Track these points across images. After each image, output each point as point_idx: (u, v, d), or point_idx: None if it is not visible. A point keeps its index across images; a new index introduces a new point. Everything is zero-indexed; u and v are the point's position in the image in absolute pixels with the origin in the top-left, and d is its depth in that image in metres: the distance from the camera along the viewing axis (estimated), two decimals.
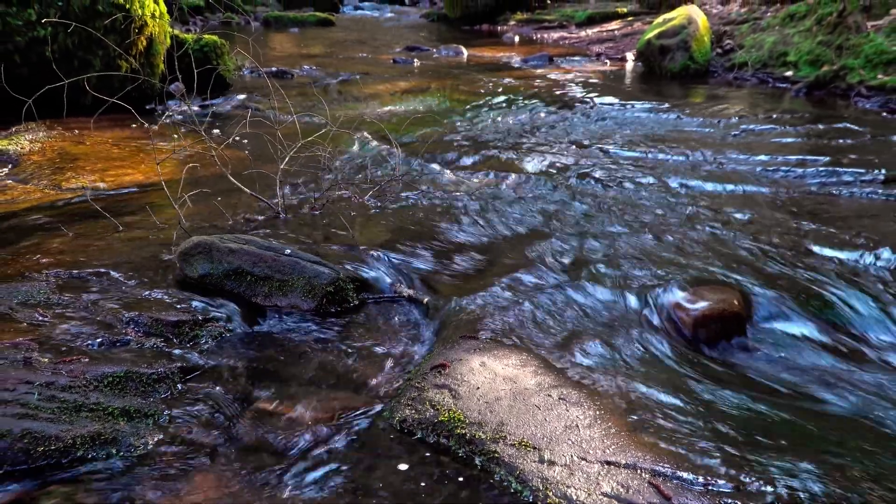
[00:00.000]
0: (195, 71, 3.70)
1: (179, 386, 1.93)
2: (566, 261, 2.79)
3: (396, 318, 2.41)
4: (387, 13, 16.64)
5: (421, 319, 2.40)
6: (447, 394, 1.85)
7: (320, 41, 11.24)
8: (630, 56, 9.02)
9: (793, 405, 1.97)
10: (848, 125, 5.06)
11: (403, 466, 1.65)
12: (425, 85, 7.16)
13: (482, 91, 6.73)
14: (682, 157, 4.33)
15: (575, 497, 1.51)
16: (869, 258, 2.77)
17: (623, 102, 6.17)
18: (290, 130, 3.65)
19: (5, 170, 3.93)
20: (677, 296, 2.42)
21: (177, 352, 2.07)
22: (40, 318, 2.12)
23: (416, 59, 9.08)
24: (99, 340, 2.05)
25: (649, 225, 3.16)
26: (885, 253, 2.78)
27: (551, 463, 1.61)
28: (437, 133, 4.96)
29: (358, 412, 1.87)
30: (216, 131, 4.66)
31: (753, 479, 1.58)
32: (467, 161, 4.27)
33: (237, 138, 3.60)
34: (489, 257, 2.84)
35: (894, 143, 4.61)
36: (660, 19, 8.27)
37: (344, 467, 1.65)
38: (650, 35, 7.87)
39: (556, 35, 11.64)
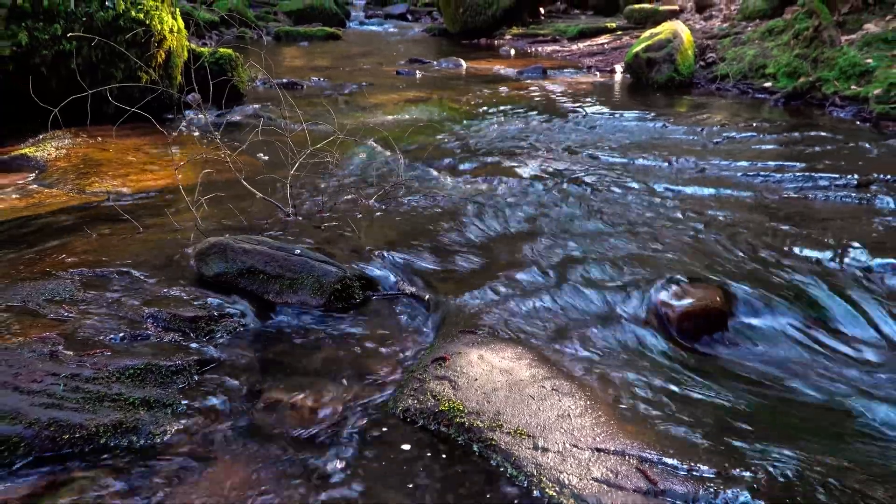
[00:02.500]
0: (211, 82, 3.69)
1: (196, 377, 1.93)
2: (558, 260, 2.79)
3: (399, 314, 2.41)
4: (390, 28, 16.59)
5: (422, 315, 2.40)
6: (447, 385, 1.85)
7: (328, 54, 11.23)
8: (619, 68, 9.01)
9: (772, 395, 1.97)
10: (823, 133, 5.06)
11: (406, 453, 1.65)
12: (426, 95, 7.16)
13: (480, 101, 6.73)
14: (668, 163, 4.33)
15: (567, 482, 1.51)
16: (843, 258, 2.77)
17: (612, 112, 6.16)
18: (299, 138, 3.65)
19: (32, 175, 3.93)
20: (663, 293, 2.42)
21: (193, 345, 2.07)
22: (65, 314, 2.12)
23: (418, 71, 9.07)
24: (121, 335, 2.05)
25: (637, 227, 3.16)
26: (858, 253, 2.78)
27: (545, 450, 1.61)
28: (437, 140, 4.95)
29: (363, 402, 1.87)
30: (231, 139, 4.66)
31: (735, 464, 1.58)
32: (466, 166, 4.27)
33: (250, 146, 3.59)
34: (487, 257, 2.84)
35: (867, 149, 4.61)
36: (646, 34, 8.26)
37: (350, 454, 1.65)
38: (637, 48, 7.86)
39: (549, 48, 11.62)
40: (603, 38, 11.45)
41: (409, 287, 2.56)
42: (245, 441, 1.69)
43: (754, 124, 5.46)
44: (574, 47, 11.31)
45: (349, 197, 3.48)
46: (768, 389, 2.00)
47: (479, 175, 4.06)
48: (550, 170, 4.17)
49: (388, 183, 3.64)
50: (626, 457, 1.59)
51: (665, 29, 7.98)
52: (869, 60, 6.16)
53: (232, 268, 2.44)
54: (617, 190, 3.77)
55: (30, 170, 4.02)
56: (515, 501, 1.50)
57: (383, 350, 2.16)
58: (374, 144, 4.59)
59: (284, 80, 7.48)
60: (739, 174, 4.09)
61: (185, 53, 5.61)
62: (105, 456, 1.60)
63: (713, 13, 10.51)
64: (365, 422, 1.78)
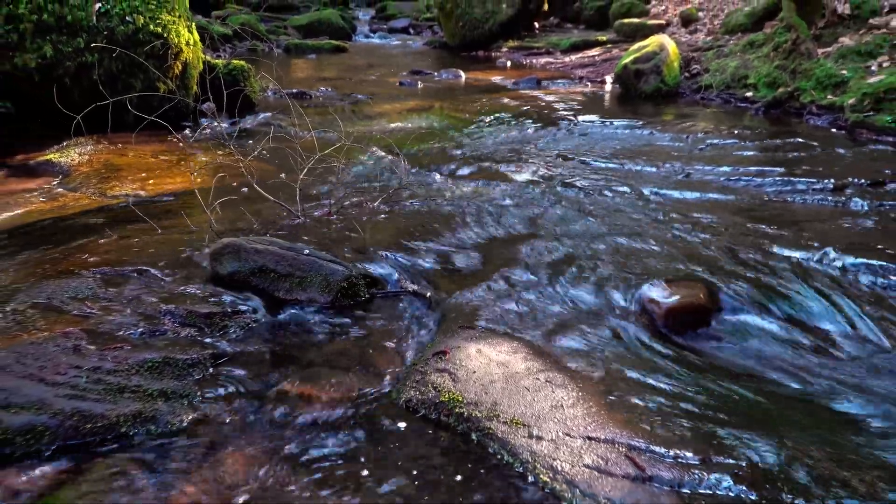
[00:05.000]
0: (224, 92, 3.70)
1: (211, 370, 1.93)
2: (552, 259, 2.79)
3: (402, 311, 2.41)
4: (394, 41, 16.56)
5: (424, 311, 2.40)
6: (447, 377, 1.85)
7: (335, 66, 11.22)
8: (609, 79, 9.00)
9: (753, 388, 1.97)
10: (801, 140, 5.06)
11: (409, 441, 1.65)
12: (428, 104, 7.16)
13: (478, 110, 6.72)
14: (655, 169, 4.33)
15: (560, 468, 1.51)
16: (820, 257, 2.77)
17: (602, 120, 6.16)
18: (308, 144, 3.65)
19: (57, 179, 3.93)
20: (650, 290, 2.42)
21: (208, 340, 2.07)
22: (88, 311, 2.12)
23: (419, 82, 9.06)
24: (140, 330, 2.05)
25: (626, 228, 3.16)
26: (834, 253, 2.78)
27: (539, 438, 1.61)
28: (438, 146, 4.95)
29: (368, 393, 1.87)
30: (245, 145, 4.66)
31: (718, 452, 1.58)
32: (465, 171, 4.27)
33: (262, 152, 3.59)
34: (485, 256, 2.84)
35: (842, 155, 4.61)
36: (635, 46, 8.25)
37: (356, 442, 1.65)
38: (626, 60, 7.85)
39: (543, 60, 11.60)
40: (594, 51, 11.44)
41: (412, 285, 2.56)
42: (257, 430, 1.69)
43: (736, 132, 5.46)
44: (567, 59, 11.30)
45: (355, 200, 3.49)
46: (749, 381, 2.00)
47: (478, 179, 4.06)
48: (545, 175, 4.18)
49: (392, 187, 3.65)
50: (616, 445, 1.60)
51: (652, 42, 7.98)
52: (844, 72, 6.16)
53: (245, 267, 2.44)
54: (607, 193, 3.77)
55: (54, 174, 4.02)
56: (511, 487, 1.50)
57: (387, 344, 2.17)
58: (379, 151, 4.59)
59: (294, 91, 7.48)
60: (722, 179, 4.09)
61: (201, 65, 5.61)
62: (125, 444, 1.60)
63: (698, 27, 10.50)
64: (370, 412, 1.78)
